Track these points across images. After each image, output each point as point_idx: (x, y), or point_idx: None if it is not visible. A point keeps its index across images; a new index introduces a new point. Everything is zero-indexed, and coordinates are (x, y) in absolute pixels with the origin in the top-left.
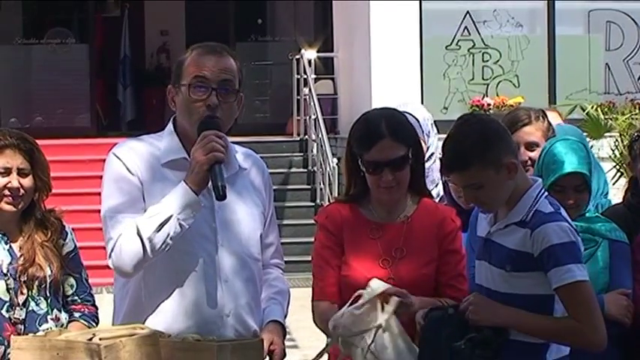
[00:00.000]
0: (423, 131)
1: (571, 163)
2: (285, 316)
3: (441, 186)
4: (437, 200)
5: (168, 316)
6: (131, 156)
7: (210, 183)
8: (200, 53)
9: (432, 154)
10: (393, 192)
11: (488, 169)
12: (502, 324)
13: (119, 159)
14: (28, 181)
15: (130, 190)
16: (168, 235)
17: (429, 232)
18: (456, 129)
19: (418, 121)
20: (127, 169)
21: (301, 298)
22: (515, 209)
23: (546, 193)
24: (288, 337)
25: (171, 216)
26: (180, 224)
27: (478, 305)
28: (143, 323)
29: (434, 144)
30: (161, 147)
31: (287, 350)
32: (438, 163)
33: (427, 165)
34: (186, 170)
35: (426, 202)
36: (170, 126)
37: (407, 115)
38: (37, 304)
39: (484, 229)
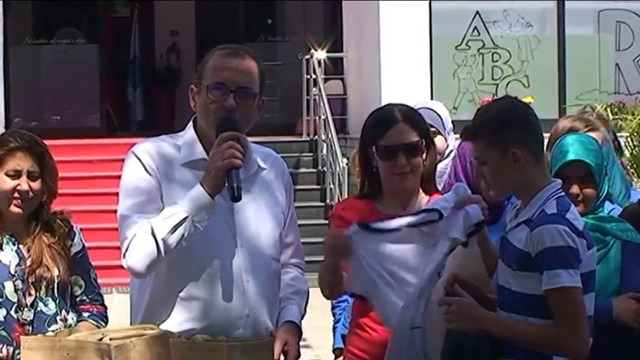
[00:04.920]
0: (445, 128)
1: (575, 152)
2: (303, 317)
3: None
4: None
5: (187, 315)
6: (150, 156)
7: (226, 184)
8: (222, 55)
9: (451, 151)
10: (407, 179)
11: (493, 148)
12: (482, 330)
13: (138, 158)
14: (37, 185)
15: (147, 190)
16: (183, 236)
17: None
18: (490, 102)
19: (441, 118)
20: (145, 168)
21: (310, 298)
22: (528, 207)
23: (561, 194)
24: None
25: (186, 217)
26: (194, 226)
27: (456, 313)
28: (162, 323)
29: (452, 142)
30: (181, 147)
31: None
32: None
33: (445, 163)
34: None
35: (437, 196)
36: (190, 126)
37: (430, 110)
38: (46, 305)
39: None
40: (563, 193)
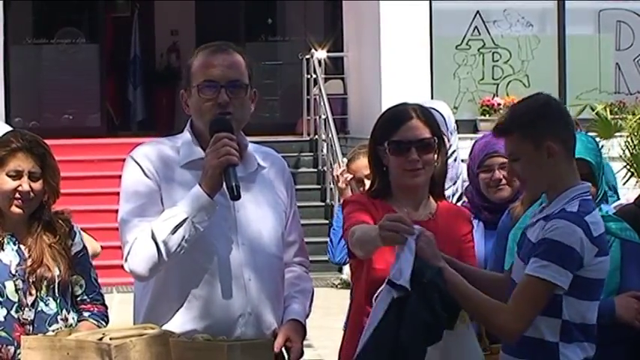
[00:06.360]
0: (447, 128)
1: (576, 151)
2: (308, 315)
3: (459, 183)
4: (453, 198)
5: (189, 315)
6: (149, 159)
7: (225, 184)
8: (206, 54)
9: (454, 151)
10: (418, 176)
11: (527, 141)
12: (441, 266)
13: (136, 162)
14: (38, 185)
15: (147, 193)
16: (184, 237)
17: (451, 230)
18: (522, 99)
19: (444, 118)
20: (144, 172)
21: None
22: (551, 205)
23: (587, 197)
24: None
25: (185, 219)
26: (195, 227)
27: (430, 241)
28: (164, 324)
29: (455, 142)
30: (179, 149)
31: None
32: (458, 161)
33: (448, 162)
34: None
35: (444, 203)
36: (187, 127)
37: (433, 110)
38: (47, 305)
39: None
40: (590, 197)
